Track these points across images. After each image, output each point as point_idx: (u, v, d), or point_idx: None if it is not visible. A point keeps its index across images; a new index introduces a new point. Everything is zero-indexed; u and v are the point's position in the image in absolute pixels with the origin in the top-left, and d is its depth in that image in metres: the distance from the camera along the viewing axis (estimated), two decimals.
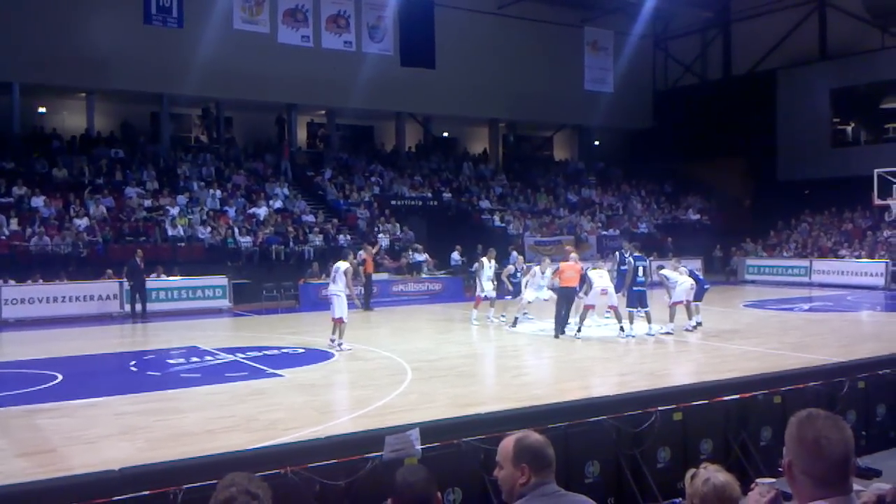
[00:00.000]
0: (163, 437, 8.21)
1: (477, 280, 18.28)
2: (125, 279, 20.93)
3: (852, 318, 19.23)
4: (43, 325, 19.08)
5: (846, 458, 2.25)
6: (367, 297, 21.71)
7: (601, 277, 15.19)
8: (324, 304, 22.85)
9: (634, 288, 15.49)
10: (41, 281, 20.92)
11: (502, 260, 28.29)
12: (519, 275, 19.09)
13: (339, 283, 14.16)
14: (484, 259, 18.42)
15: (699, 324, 16.13)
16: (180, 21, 24.21)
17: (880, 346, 12.29)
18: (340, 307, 14.01)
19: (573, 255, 16.32)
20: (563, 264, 16.14)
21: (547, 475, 2.86)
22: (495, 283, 18.36)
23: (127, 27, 25.67)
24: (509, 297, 18.56)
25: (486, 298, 17.88)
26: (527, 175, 36.41)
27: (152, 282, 21.37)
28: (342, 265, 14.40)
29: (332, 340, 14.08)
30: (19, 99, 27.10)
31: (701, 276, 17.51)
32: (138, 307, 20.74)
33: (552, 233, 30.79)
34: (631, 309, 15.48)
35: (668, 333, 15.33)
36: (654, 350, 14.20)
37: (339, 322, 14.02)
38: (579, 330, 15.16)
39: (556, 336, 15.28)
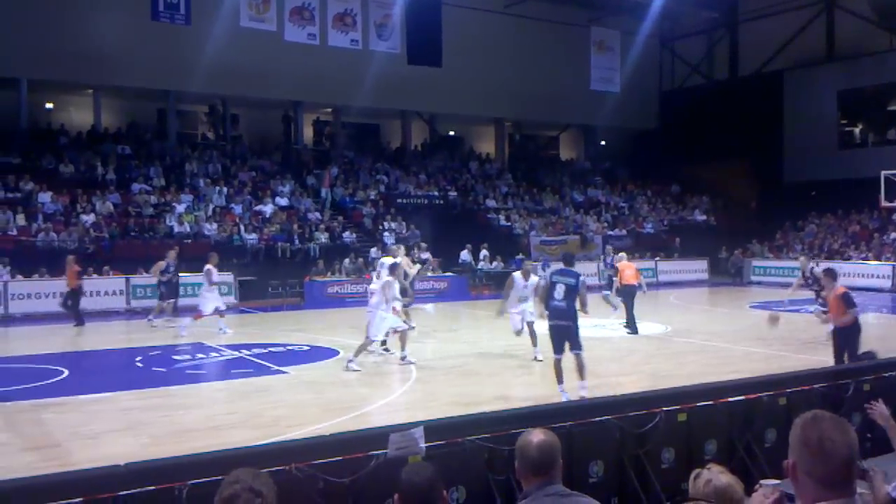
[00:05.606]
0: (168, 432, 8.24)
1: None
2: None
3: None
4: (49, 321, 19.14)
5: (850, 460, 2.25)
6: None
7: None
8: (329, 301, 23.07)
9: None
10: (46, 276, 20.94)
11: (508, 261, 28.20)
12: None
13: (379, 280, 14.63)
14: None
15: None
16: (187, 18, 24.26)
17: (886, 348, 12.23)
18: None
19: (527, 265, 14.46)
20: (621, 264, 16.50)
21: (547, 475, 2.86)
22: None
23: (134, 24, 25.74)
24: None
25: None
26: (533, 174, 36.37)
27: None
28: (386, 261, 14.91)
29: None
30: (26, 95, 27.15)
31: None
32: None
33: (558, 232, 30.77)
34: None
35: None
36: (658, 351, 14.19)
37: None
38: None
39: (631, 333, 15.68)
